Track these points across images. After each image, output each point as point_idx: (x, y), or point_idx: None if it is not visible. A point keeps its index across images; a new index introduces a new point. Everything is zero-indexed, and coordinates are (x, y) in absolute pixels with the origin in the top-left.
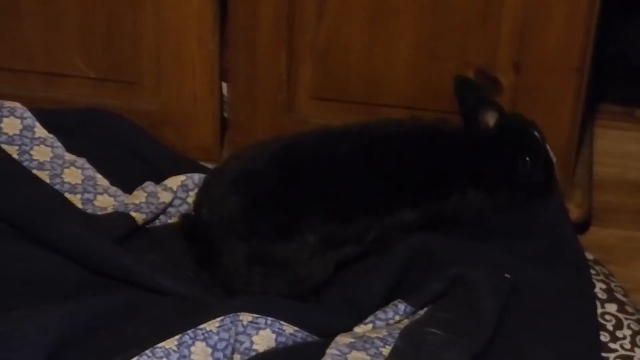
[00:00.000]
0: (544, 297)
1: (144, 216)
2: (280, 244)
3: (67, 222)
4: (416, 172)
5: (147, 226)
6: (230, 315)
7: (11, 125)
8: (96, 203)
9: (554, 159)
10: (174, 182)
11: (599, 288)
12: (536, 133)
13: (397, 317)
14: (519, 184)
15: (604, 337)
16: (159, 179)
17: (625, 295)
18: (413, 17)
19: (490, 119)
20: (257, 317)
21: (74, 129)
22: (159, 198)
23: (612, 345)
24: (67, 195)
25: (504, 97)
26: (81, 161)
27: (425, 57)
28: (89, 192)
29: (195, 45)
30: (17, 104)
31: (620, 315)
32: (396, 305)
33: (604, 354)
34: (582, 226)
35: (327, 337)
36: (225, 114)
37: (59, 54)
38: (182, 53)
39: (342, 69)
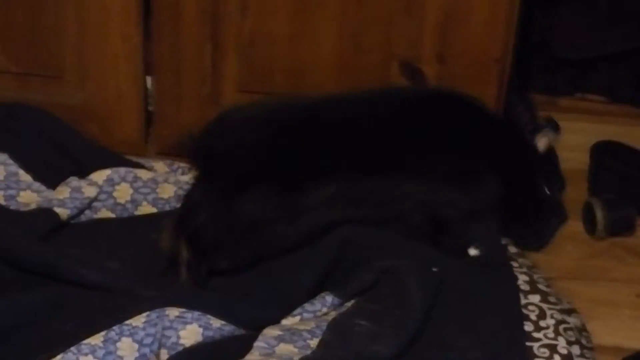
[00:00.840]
0: (469, 290)
1: (68, 211)
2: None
3: None
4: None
5: (72, 222)
6: (157, 310)
7: None
8: (19, 199)
9: None
10: (100, 176)
11: (522, 280)
12: None
13: (325, 309)
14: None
15: (528, 327)
16: (83, 173)
17: (548, 286)
18: (337, 9)
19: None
20: (184, 312)
21: None
22: (83, 193)
23: (536, 335)
24: None
25: None
26: (3, 157)
27: (349, 49)
28: (11, 188)
29: (118, 39)
30: None
31: (544, 306)
32: (324, 297)
33: (528, 343)
34: None
35: (255, 330)
36: (151, 108)
37: None
38: (106, 47)
39: (267, 61)
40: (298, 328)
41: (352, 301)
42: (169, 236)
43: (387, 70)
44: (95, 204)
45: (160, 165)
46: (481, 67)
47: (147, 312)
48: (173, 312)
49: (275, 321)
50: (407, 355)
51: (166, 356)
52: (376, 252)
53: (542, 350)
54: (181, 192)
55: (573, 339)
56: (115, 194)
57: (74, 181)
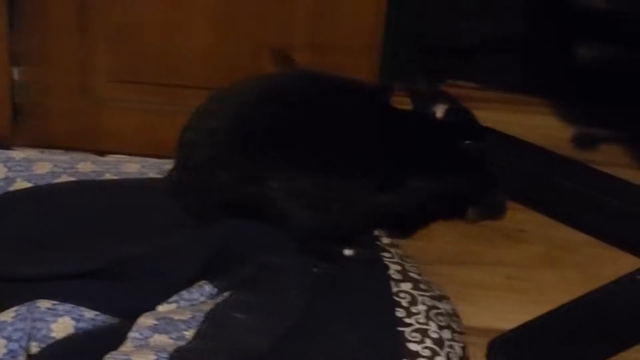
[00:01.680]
0: (342, 283)
1: None
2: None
3: None
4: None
5: None
6: (27, 303)
7: None
8: None
9: None
10: None
11: (394, 269)
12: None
13: (202, 299)
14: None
15: (400, 313)
16: None
17: (419, 274)
18: None
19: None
20: (56, 304)
21: None
22: None
23: (407, 320)
24: None
25: None
26: None
27: (221, 38)
28: None
29: None
30: None
31: (415, 293)
32: (202, 287)
33: (400, 328)
34: None
35: (131, 319)
36: (18, 100)
37: None
38: None
39: (138, 51)
40: (173, 318)
41: (230, 292)
42: None
43: (259, 59)
44: None
45: (33, 152)
46: (352, 55)
47: (17, 307)
48: (44, 304)
49: (152, 308)
50: (281, 343)
51: (37, 349)
52: (259, 246)
53: (414, 334)
54: (57, 169)
55: (444, 323)
56: None
57: None
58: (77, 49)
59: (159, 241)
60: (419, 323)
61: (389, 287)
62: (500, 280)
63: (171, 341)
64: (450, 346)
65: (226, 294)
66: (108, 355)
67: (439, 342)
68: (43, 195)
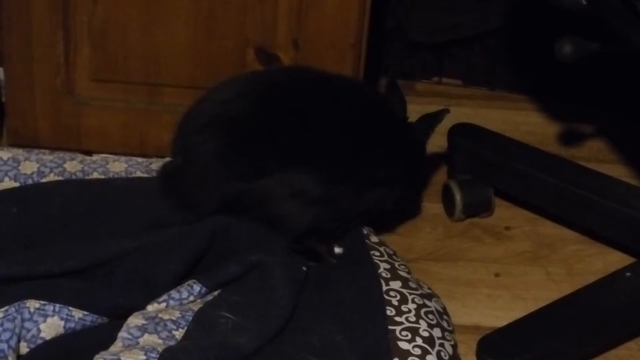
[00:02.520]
0: (330, 282)
1: None
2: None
3: None
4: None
5: None
6: (16, 304)
7: None
8: None
9: None
10: None
11: (384, 268)
12: None
13: (192, 298)
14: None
15: (390, 311)
16: None
17: (409, 273)
18: None
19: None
20: (44, 304)
21: None
22: None
23: (397, 319)
24: None
25: None
26: None
27: (204, 36)
28: None
29: None
30: None
31: (405, 291)
32: (191, 286)
33: (391, 327)
34: None
35: (120, 318)
36: (2, 99)
37: None
38: None
39: (121, 50)
40: (163, 317)
41: (219, 292)
42: None
43: (243, 57)
44: None
45: (19, 152)
46: (337, 52)
47: (6, 307)
48: (33, 304)
49: (140, 307)
50: (269, 341)
51: (26, 350)
52: (247, 244)
53: (404, 333)
54: (44, 169)
55: (434, 322)
56: None
57: None
58: (60, 47)
59: (145, 240)
60: (409, 322)
61: (379, 286)
62: (489, 277)
63: (160, 341)
64: (441, 345)
65: (215, 293)
66: (98, 356)
67: (430, 340)
68: (29, 195)
